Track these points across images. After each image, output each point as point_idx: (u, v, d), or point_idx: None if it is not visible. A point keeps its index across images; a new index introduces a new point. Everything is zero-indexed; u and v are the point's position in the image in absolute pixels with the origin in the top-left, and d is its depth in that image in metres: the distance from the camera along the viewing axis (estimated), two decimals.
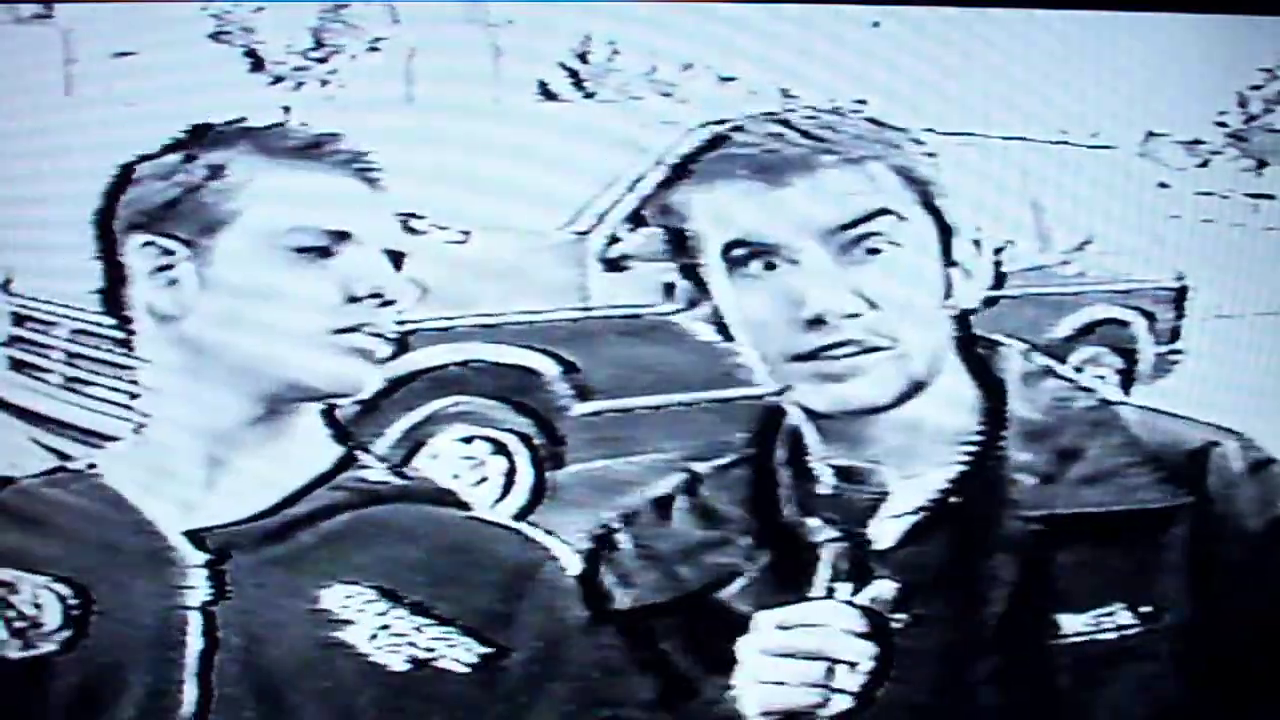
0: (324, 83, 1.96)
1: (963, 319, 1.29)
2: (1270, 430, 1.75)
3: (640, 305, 2.11)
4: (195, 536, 1.27)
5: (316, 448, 1.32)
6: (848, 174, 1.23)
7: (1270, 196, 1.91)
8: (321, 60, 1.95)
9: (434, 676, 1.26)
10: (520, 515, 2.08)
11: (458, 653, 1.26)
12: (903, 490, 1.25)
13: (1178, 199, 2.13)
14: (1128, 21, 1.79)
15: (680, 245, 1.29)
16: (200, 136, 1.30)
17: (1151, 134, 2.05)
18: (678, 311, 1.32)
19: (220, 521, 1.28)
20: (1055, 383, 1.31)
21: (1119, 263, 2.28)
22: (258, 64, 1.91)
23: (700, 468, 1.37)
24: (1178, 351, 2.33)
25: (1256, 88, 1.90)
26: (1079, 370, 2.33)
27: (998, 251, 1.32)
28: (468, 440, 2.07)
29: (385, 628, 1.26)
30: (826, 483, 1.25)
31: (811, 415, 1.27)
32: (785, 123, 1.26)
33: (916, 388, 1.24)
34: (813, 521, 1.24)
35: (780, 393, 1.28)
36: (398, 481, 1.33)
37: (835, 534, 1.21)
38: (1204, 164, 2.10)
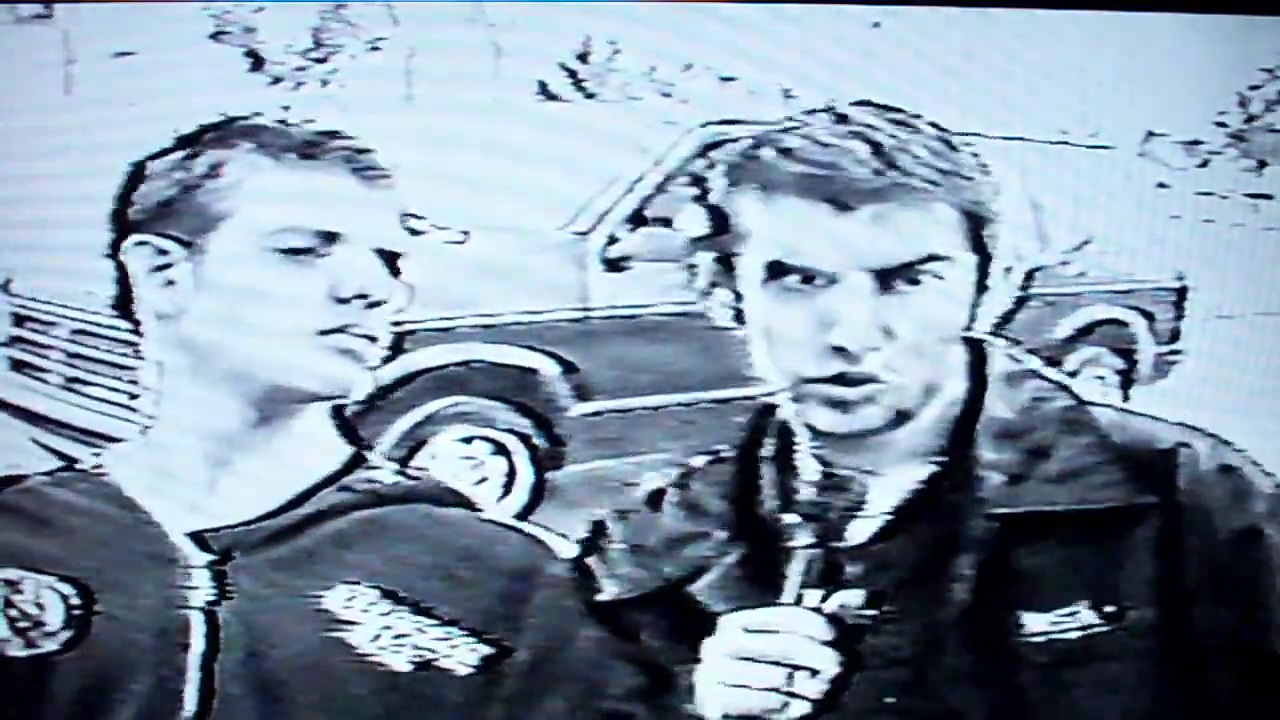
0: (324, 83, 1.96)
1: (980, 337, 1.28)
2: (1270, 430, 1.75)
3: (640, 305, 2.11)
4: (199, 537, 1.27)
5: (325, 448, 1.32)
6: (914, 213, 1.20)
7: (1270, 196, 1.91)
8: (321, 60, 1.95)
9: (436, 677, 1.26)
10: (520, 515, 2.08)
11: (460, 653, 1.26)
12: (879, 488, 1.25)
13: (1178, 199, 2.14)
14: (1128, 21, 1.79)
15: (721, 233, 1.26)
16: (205, 133, 1.30)
17: (1151, 134, 2.05)
18: (700, 294, 1.30)
19: (225, 523, 1.28)
20: (1036, 383, 1.30)
21: (1119, 263, 2.28)
22: (258, 64, 1.91)
23: (694, 461, 1.36)
24: (1178, 351, 2.33)
25: (1256, 88, 1.90)
26: (1074, 375, 2.33)
27: (1028, 276, 1.31)
28: (468, 440, 2.07)
29: (388, 628, 1.26)
30: (808, 490, 1.25)
31: (813, 430, 1.27)
32: (861, 135, 1.22)
33: (903, 418, 1.23)
34: (790, 517, 1.24)
35: (773, 394, 1.28)
36: (406, 482, 1.33)
37: (810, 540, 1.21)
38: (1204, 164, 2.10)
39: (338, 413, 1.33)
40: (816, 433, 1.26)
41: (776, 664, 1.16)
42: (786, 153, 1.21)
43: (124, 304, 1.31)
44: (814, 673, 1.15)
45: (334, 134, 1.30)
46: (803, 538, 1.21)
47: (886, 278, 1.19)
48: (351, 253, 1.26)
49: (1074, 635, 1.20)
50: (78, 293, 2.04)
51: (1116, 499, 1.21)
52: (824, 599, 1.18)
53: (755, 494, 1.30)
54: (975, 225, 1.23)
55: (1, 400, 2.09)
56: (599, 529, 1.35)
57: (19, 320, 2.18)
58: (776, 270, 1.22)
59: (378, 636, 1.26)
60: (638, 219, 2.21)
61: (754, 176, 1.22)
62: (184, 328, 1.27)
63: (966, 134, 2.07)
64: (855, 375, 1.20)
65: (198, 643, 1.25)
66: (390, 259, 1.29)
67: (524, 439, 2.09)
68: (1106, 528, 1.21)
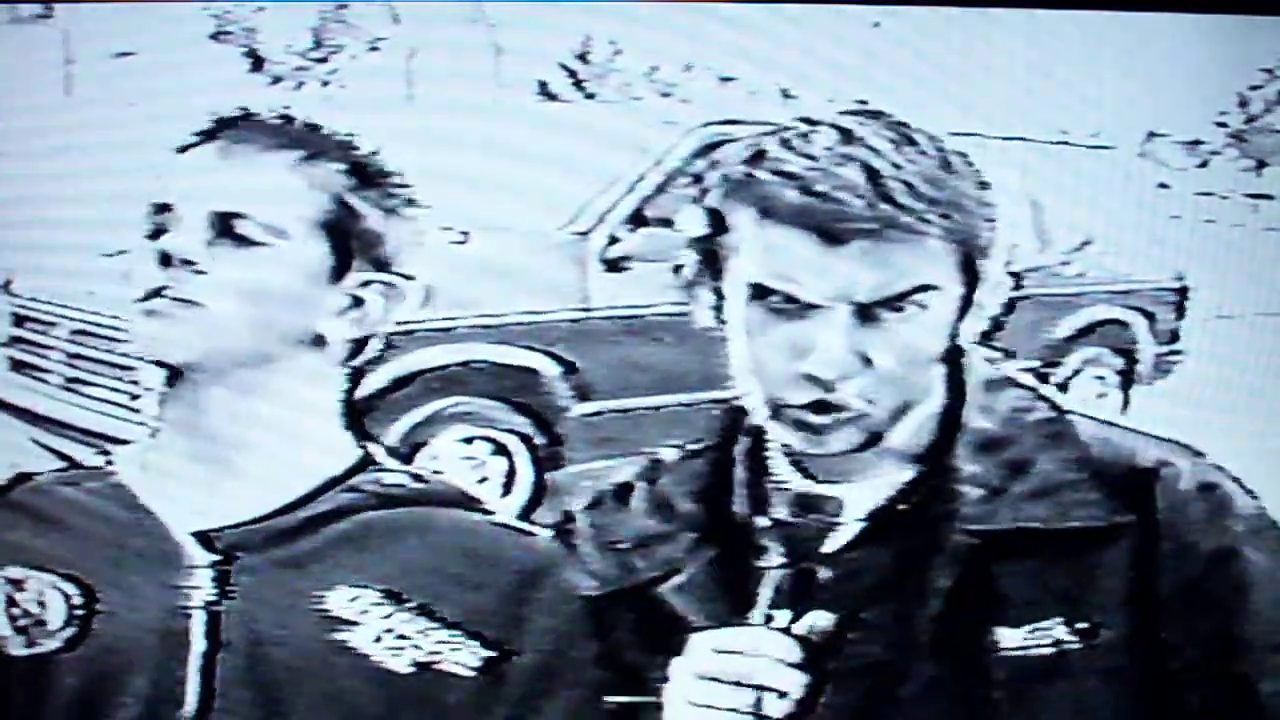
0: (324, 83, 1.96)
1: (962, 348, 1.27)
2: (1270, 431, 1.75)
3: (640, 305, 2.11)
4: (204, 537, 1.27)
5: (333, 448, 1.32)
6: (905, 248, 1.19)
7: (1270, 197, 1.91)
8: (321, 60, 1.95)
9: (438, 679, 1.26)
10: (521, 515, 2.08)
11: (462, 655, 1.26)
12: (852, 494, 1.25)
13: (1178, 199, 2.14)
14: (1128, 21, 1.79)
15: (718, 235, 1.25)
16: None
17: (1152, 134, 2.05)
18: (684, 288, 1.29)
19: (230, 522, 1.28)
20: (1015, 392, 1.29)
21: (1119, 263, 2.28)
22: (258, 64, 1.91)
23: (663, 454, 1.35)
24: (1178, 352, 2.33)
25: (1256, 88, 1.90)
26: (1075, 374, 2.33)
27: (1016, 284, 1.30)
28: (468, 440, 2.07)
29: (390, 630, 1.26)
30: (782, 506, 1.25)
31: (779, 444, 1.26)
32: (861, 161, 1.19)
33: (875, 439, 1.23)
34: (761, 520, 1.24)
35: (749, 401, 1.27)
36: (415, 484, 1.33)
37: (781, 561, 1.21)
38: (1204, 164, 2.10)
39: (348, 412, 1.33)
40: (786, 450, 1.25)
41: (743, 685, 1.15)
42: (785, 176, 1.20)
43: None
44: (781, 695, 1.15)
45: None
46: (774, 556, 1.21)
47: (870, 309, 1.18)
48: (180, 221, 1.27)
49: (1047, 651, 1.20)
50: (78, 293, 2.04)
51: (1094, 518, 1.21)
52: (794, 619, 1.17)
53: (727, 496, 1.29)
54: (967, 257, 1.22)
55: (2, 400, 2.09)
56: (567, 519, 1.34)
57: (19, 320, 2.18)
58: (760, 292, 1.21)
59: (379, 638, 1.26)
60: (638, 219, 2.21)
61: (751, 195, 1.21)
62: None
63: (966, 134, 2.08)
64: (828, 402, 1.19)
65: (199, 642, 1.25)
66: (224, 222, 1.28)
67: (524, 439, 2.10)
68: (1083, 545, 1.21)
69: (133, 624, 1.26)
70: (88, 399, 2.10)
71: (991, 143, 2.11)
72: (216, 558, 1.27)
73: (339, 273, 1.30)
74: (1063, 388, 2.32)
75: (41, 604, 1.27)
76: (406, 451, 2.01)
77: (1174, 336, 2.35)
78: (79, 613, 1.26)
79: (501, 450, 2.09)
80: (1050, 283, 2.30)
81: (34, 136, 1.69)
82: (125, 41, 1.78)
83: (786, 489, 1.26)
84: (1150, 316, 2.38)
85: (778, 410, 1.22)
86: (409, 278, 1.33)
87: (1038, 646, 1.20)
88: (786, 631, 1.17)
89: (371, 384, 1.97)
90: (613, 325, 2.13)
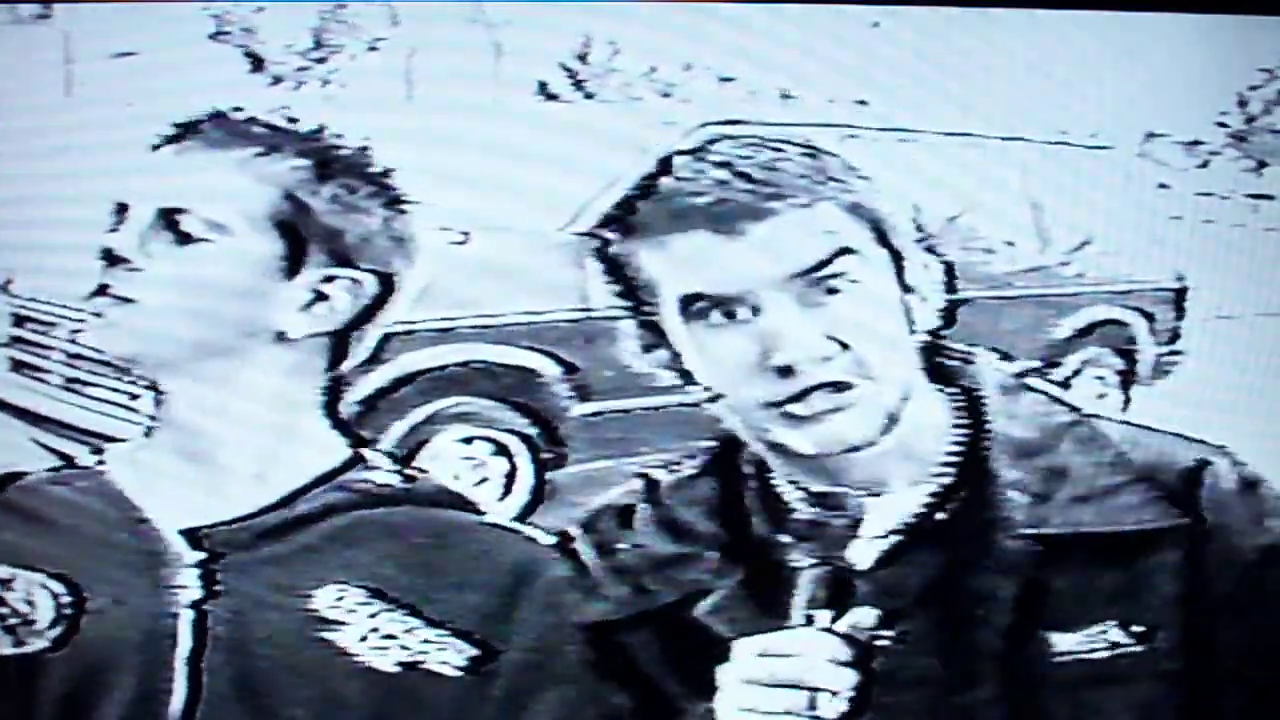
0: (324, 83, 1.96)
1: (929, 340, 1.27)
2: (1271, 431, 1.75)
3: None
4: (192, 535, 1.27)
5: (322, 446, 1.32)
6: (801, 218, 1.21)
7: (1270, 197, 1.91)
8: (321, 60, 1.95)
9: (423, 678, 1.26)
10: (521, 515, 2.08)
11: (448, 655, 1.26)
12: (878, 510, 1.24)
13: (1178, 199, 2.13)
14: (1128, 21, 1.79)
15: (630, 293, 1.27)
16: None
17: (1151, 134, 2.05)
18: (638, 358, 1.30)
19: (218, 520, 1.28)
20: (1032, 396, 1.30)
21: (1119, 263, 2.28)
22: (258, 64, 1.91)
23: (657, 475, 1.36)
24: (1178, 352, 2.33)
25: (1256, 88, 1.90)
26: (1075, 374, 2.33)
27: (948, 274, 1.30)
28: (468, 441, 2.07)
29: (375, 629, 1.26)
30: (801, 509, 1.25)
31: (786, 454, 1.25)
32: (727, 165, 1.23)
33: (893, 420, 1.23)
34: (785, 538, 1.24)
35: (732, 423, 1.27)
36: (404, 483, 1.33)
37: (812, 560, 1.21)
38: (1204, 164, 2.10)
39: (333, 410, 1.33)
40: (789, 457, 1.25)
41: (796, 687, 1.15)
42: (661, 198, 1.21)
43: None
44: (834, 694, 1.15)
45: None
46: (803, 558, 1.21)
47: (803, 290, 1.19)
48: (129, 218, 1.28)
49: (1102, 655, 1.20)
50: (78, 293, 2.04)
51: (1146, 520, 1.21)
52: (835, 619, 1.17)
53: (744, 514, 1.29)
54: (870, 222, 1.23)
55: (1, 400, 2.09)
56: (566, 538, 1.34)
57: (19, 320, 2.18)
58: (695, 310, 1.21)
59: (365, 637, 1.26)
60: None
61: (640, 227, 1.23)
62: None
63: (966, 134, 2.08)
64: (815, 386, 1.20)
65: (186, 640, 1.25)
66: (169, 219, 1.28)
67: (525, 439, 2.09)
68: (1134, 547, 1.21)
69: (120, 622, 1.26)
70: (88, 399, 2.10)
71: (991, 143, 2.11)
72: (204, 556, 1.27)
73: (293, 267, 1.30)
74: (1063, 388, 2.32)
75: (30, 603, 1.27)
76: (406, 451, 2.01)
77: (1174, 336, 2.35)
78: (67, 611, 1.27)
79: (502, 450, 2.09)
80: (1050, 283, 2.30)
81: (34, 136, 1.69)
82: (125, 41, 1.78)
83: (800, 500, 1.26)
84: (1150, 316, 2.38)
85: (770, 419, 1.22)
86: (381, 273, 1.32)
87: (1093, 650, 1.20)
88: (830, 631, 1.17)
89: (371, 384, 1.98)
90: (613, 325, 2.13)
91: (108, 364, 2.08)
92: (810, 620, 1.19)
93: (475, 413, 2.06)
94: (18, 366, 2.18)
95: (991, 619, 1.21)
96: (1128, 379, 2.40)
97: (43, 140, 1.70)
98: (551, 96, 1.96)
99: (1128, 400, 2.41)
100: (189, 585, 1.27)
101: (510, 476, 2.09)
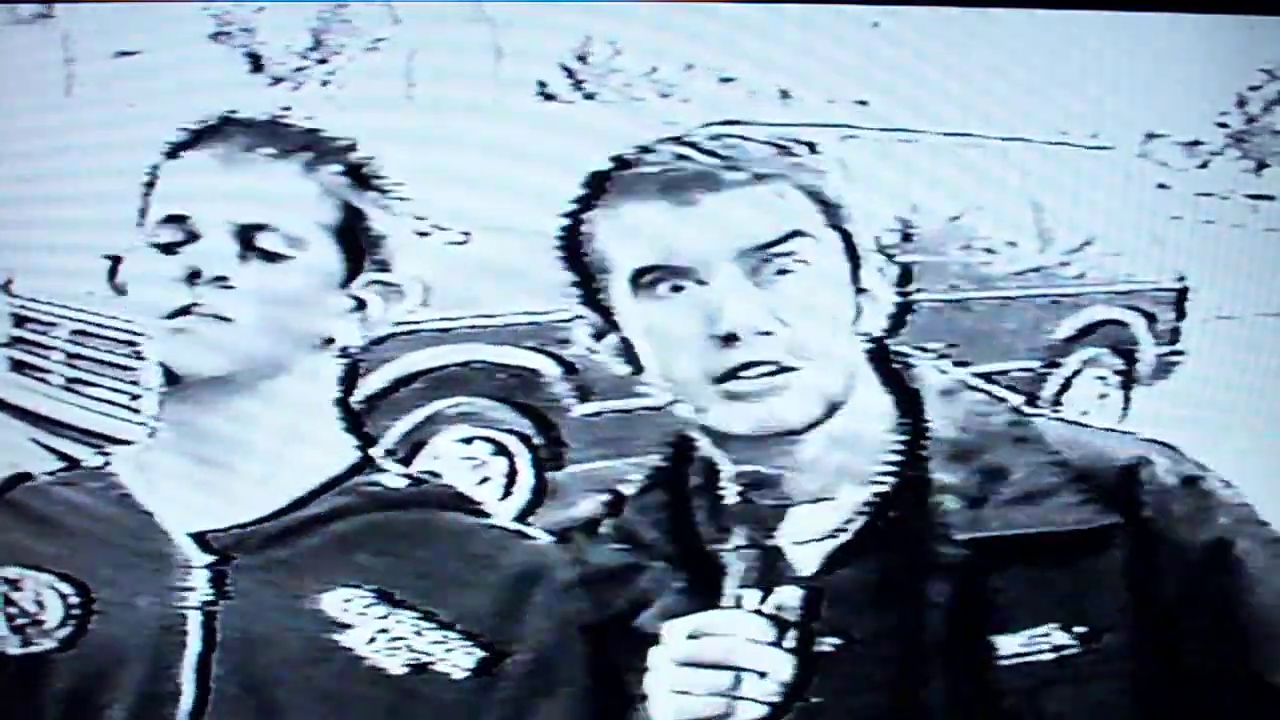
0: (324, 83, 1.96)
1: (875, 343, 1.27)
2: (1270, 431, 1.75)
3: None
4: (201, 538, 1.27)
5: (332, 449, 1.32)
6: (756, 191, 1.21)
7: (1270, 197, 1.91)
8: (321, 60, 1.96)
9: (432, 680, 1.26)
10: (521, 515, 2.08)
11: (456, 656, 1.26)
12: (819, 512, 1.24)
13: (1178, 200, 2.14)
14: (1128, 21, 1.79)
15: (584, 274, 1.27)
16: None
17: (1151, 134, 2.05)
18: (590, 350, 1.30)
19: (227, 524, 1.28)
20: (973, 396, 1.30)
21: (1119, 263, 2.28)
22: (258, 64, 1.92)
23: (623, 488, 1.36)
24: (1178, 352, 2.34)
25: (1256, 88, 1.91)
26: (1075, 375, 2.33)
27: (903, 277, 1.30)
28: (468, 441, 2.07)
29: (384, 631, 1.27)
30: (733, 493, 1.25)
31: (723, 440, 1.25)
32: (692, 144, 1.23)
33: (833, 408, 1.23)
34: (724, 545, 1.24)
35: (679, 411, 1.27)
36: (412, 486, 1.33)
37: (742, 542, 1.21)
38: (1204, 165, 2.11)
39: (346, 413, 1.33)
40: (735, 445, 1.24)
41: (722, 667, 1.16)
42: (623, 165, 1.22)
43: None
44: (761, 675, 1.15)
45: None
46: (736, 538, 1.21)
47: (754, 265, 1.19)
48: (201, 232, 1.27)
49: (1047, 657, 1.20)
50: (78, 293, 2.04)
51: (1081, 521, 1.21)
52: (763, 600, 1.17)
53: (691, 525, 1.29)
54: (825, 207, 1.23)
55: (2, 400, 2.10)
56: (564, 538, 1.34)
57: (19, 320, 2.18)
58: (644, 283, 1.22)
59: (373, 639, 1.26)
60: None
61: (599, 203, 1.24)
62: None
63: (966, 134, 2.08)
64: (756, 361, 1.19)
65: (194, 643, 1.25)
66: (245, 238, 1.28)
67: (525, 439, 2.09)
68: (1073, 548, 1.21)
69: (129, 624, 1.26)
70: (88, 399, 2.10)
71: (991, 143, 2.12)
72: (213, 558, 1.27)
73: (350, 276, 1.30)
74: (1063, 388, 2.32)
75: (39, 604, 1.27)
76: (407, 452, 2.01)
77: (1174, 337, 2.35)
78: (75, 612, 1.27)
79: (502, 450, 2.09)
80: (1050, 283, 2.31)
81: (34, 136, 1.69)
82: (125, 41, 1.78)
83: (732, 477, 1.26)
84: (1150, 317, 2.38)
85: (711, 396, 1.22)
86: (406, 278, 1.33)
87: (1038, 653, 1.20)
88: (758, 612, 1.17)
89: (372, 384, 1.98)
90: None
91: (111, 364, 2.09)
92: (739, 601, 1.19)
93: (475, 413, 2.06)
94: (18, 366, 2.19)
95: (932, 624, 1.21)
96: (1128, 379, 2.40)
97: (43, 140, 1.70)
98: (551, 97, 1.96)
99: (1128, 400, 2.41)
100: (198, 587, 1.27)
101: (510, 476, 2.09)
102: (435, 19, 1.84)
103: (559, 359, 2.08)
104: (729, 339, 1.18)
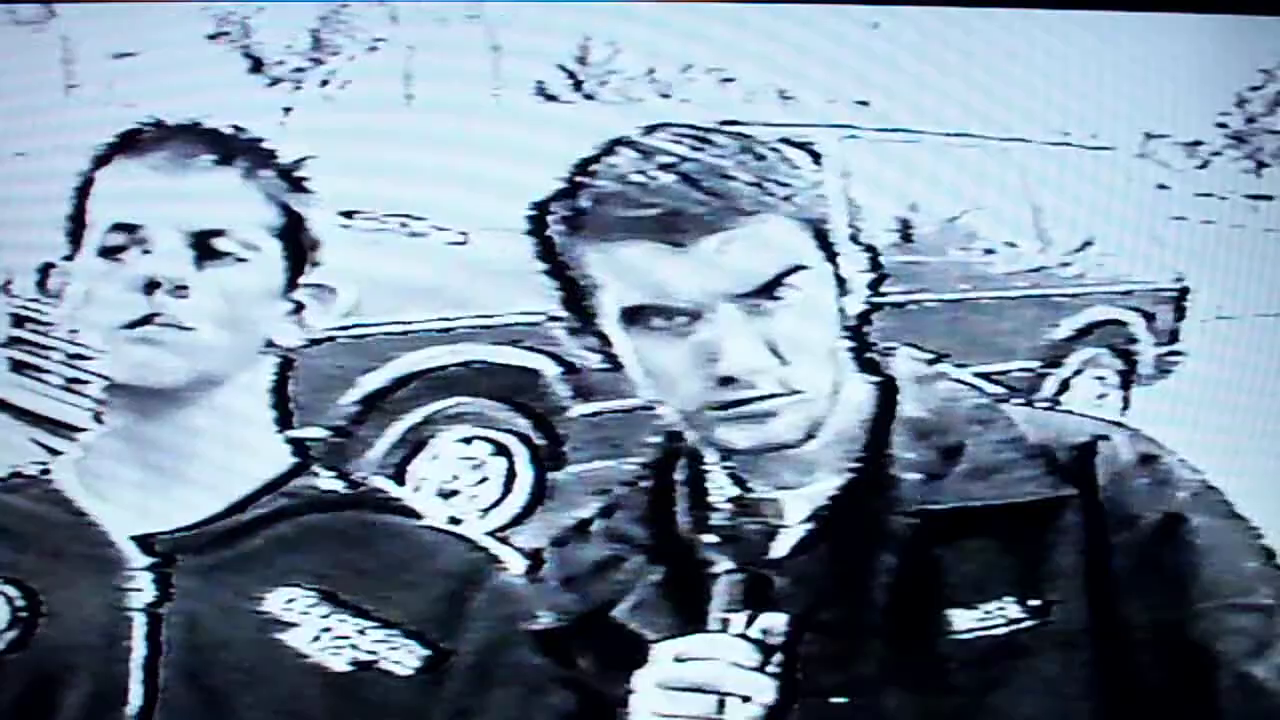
0: (324, 83, 1.96)
1: (856, 330, 1.27)
2: (1270, 430, 1.75)
3: None
4: (143, 541, 1.28)
5: (267, 454, 1.33)
6: (755, 232, 1.20)
7: (1270, 197, 1.91)
8: (321, 61, 1.96)
9: (378, 679, 1.27)
10: (521, 516, 2.08)
11: (400, 655, 1.27)
12: (795, 502, 1.25)
13: (1178, 200, 2.14)
14: (1128, 21, 1.79)
15: (573, 296, 1.27)
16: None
17: (1151, 135, 2.05)
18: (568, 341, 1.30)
19: (170, 526, 1.28)
20: (948, 384, 1.30)
21: (1119, 264, 2.28)
22: (257, 64, 1.92)
23: (618, 490, 1.36)
24: (1178, 352, 2.34)
25: (1256, 88, 1.91)
26: (1075, 375, 2.33)
27: (873, 263, 1.29)
28: (467, 441, 2.07)
29: (327, 630, 1.27)
30: (723, 513, 1.25)
31: (717, 446, 1.26)
32: (673, 168, 1.21)
33: (818, 426, 1.23)
34: (707, 537, 1.24)
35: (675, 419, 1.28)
36: (346, 489, 1.34)
37: (730, 565, 1.22)
38: (1204, 165, 2.11)
39: (282, 416, 1.33)
40: (726, 452, 1.25)
41: (706, 691, 1.16)
42: (606, 199, 1.21)
43: None
44: (745, 699, 1.16)
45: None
46: (722, 562, 1.22)
47: (751, 305, 1.19)
48: (158, 243, 1.26)
49: (1001, 630, 1.20)
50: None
51: (1037, 492, 1.22)
52: (748, 623, 1.18)
53: (670, 517, 1.29)
54: (819, 232, 1.22)
55: (2, 400, 2.09)
56: (537, 557, 1.35)
57: (19, 320, 2.18)
58: (635, 314, 1.21)
59: (317, 638, 1.27)
60: None
61: (588, 226, 1.23)
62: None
63: (966, 134, 2.08)
64: (755, 396, 1.20)
65: (140, 644, 1.26)
66: (201, 244, 1.27)
67: (524, 439, 2.09)
68: (1028, 521, 1.21)
69: (75, 627, 1.26)
70: (88, 399, 2.10)
71: (991, 143, 2.12)
72: (155, 560, 1.27)
73: (292, 279, 1.31)
74: (1063, 388, 2.32)
75: None
76: (407, 451, 2.01)
77: (1174, 337, 2.35)
78: (22, 615, 1.27)
79: (502, 450, 2.09)
80: (1050, 284, 2.31)
81: (34, 136, 1.69)
82: (125, 41, 1.78)
83: (724, 502, 1.27)
84: (1150, 317, 2.38)
85: (708, 418, 1.22)
86: (340, 280, 1.33)
87: (992, 626, 1.20)
88: (744, 636, 1.17)
89: (372, 384, 1.98)
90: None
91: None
92: (725, 625, 1.19)
93: (475, 412, 2.06)
94: (18, 366, 2.19)
95: (887, 598, 1.21)
96: (1128, 379, 2.40)
97: (43, 140, 1.70)
98: (551, 97, 1.96)
99: (1127, 400, 2.41)
100: (143, 590, 1.27)
101: (510, 476, 2.09)
102: (435, 19, 1.84)
103: (558, 359, 2.08)
104: (727, 380, 1.19)
